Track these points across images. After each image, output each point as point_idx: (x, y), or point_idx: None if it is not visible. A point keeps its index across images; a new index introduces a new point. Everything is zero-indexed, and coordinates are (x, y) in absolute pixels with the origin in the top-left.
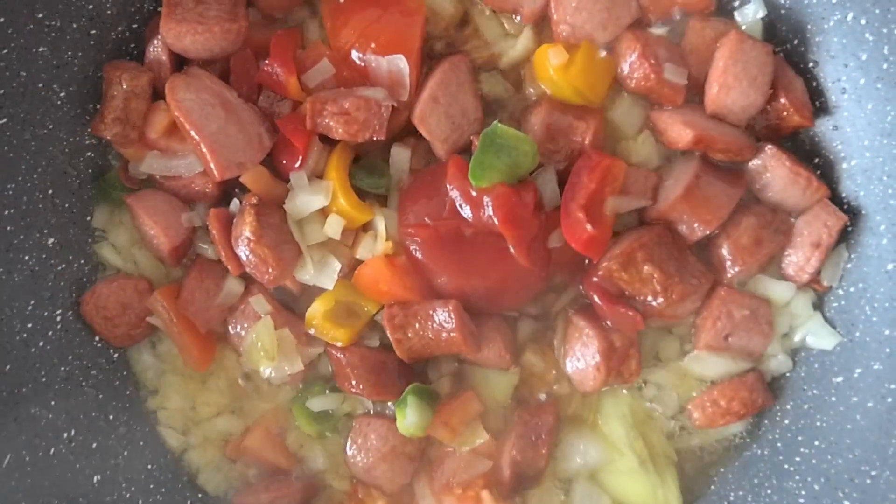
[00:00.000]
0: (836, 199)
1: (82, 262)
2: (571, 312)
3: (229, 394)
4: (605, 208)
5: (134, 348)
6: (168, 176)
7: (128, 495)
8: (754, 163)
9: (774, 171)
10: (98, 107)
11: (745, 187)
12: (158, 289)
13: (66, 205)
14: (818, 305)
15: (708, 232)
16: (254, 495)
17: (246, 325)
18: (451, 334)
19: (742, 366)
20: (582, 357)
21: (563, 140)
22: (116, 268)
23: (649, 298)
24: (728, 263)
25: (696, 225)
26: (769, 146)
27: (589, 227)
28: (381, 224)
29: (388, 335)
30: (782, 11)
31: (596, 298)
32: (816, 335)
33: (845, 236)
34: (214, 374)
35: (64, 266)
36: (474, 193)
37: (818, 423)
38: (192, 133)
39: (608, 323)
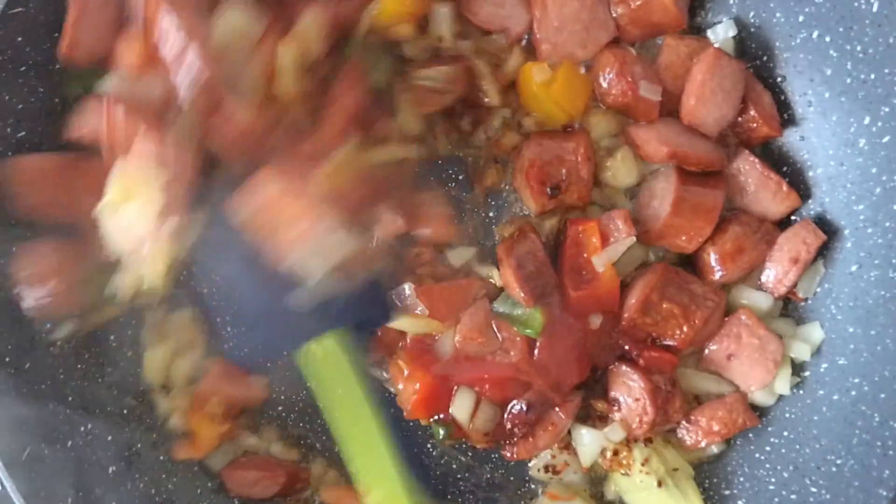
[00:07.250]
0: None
1: None
2: (612, 363)
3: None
4: (595, 267)
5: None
6: None
7: (141, 485)
8: (731, 166)
9: (748, 175)
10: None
11: (725, 188)
12: None
13: None
14: (785, 308)
15: (705, 238)
16: (242, 469)
17: None
18: None
19: (725, 388)
20: (626, 400)
21: (558, 163)
22: None
23: (677, 332)
24: (713, 269)
25: (692, 234)
26: (744, 151)
27: (571, 291)
28: None
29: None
30: (752, 30)
31: (629, 348)
32: (797, 351)
33: (823, 253)
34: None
35: None
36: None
37: (787, 415)
38: None
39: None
